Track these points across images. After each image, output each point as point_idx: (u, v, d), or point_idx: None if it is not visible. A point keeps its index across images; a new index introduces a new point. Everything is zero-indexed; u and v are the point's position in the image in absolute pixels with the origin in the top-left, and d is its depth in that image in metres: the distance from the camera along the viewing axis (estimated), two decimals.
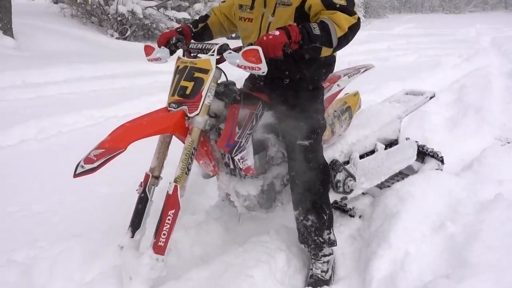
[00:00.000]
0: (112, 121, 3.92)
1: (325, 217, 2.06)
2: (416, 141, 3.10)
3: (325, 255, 2.11)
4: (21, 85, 5.48)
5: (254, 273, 1.83)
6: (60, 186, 2.67)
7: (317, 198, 2.05)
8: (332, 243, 2.11)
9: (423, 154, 3.22)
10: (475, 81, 6.37)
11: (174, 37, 2.01)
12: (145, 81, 6.07)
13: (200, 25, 2.25)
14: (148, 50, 2.04)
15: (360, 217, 2.62)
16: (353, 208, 2.67)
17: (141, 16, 11.17)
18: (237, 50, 1.70)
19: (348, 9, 1.78)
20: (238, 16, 2.13)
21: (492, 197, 2.54)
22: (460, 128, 4.21)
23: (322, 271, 2.10)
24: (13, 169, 2.98)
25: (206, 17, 2.31)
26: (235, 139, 1.86)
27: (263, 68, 1.62)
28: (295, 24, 1.71)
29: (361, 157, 2.53)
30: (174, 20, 12.08)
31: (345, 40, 1.77)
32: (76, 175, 1.56)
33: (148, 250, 1.74)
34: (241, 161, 1.92)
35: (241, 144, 1.87)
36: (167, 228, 1.75)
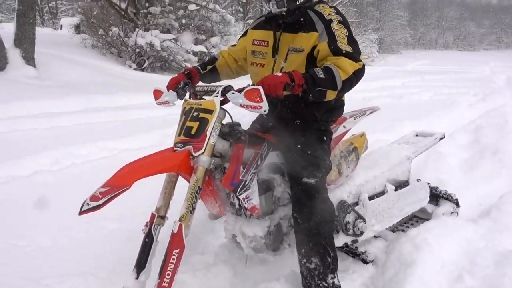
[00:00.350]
0: (125, 154, 3.93)
1: (329, 260, 2.02)
2: (428, 183, 3.06)
3: None
4: (37, 114, 5.57)
5: None
6: (69, 221, 2.65)
7: (321, 240, 2.01)
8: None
9: (437, 196, 3.17)
10: (492, 121, 6.29)
11: (182, 81, 2.04)
12: (159, 113, 6.13)
13: (208, 67, 2.31)
14: (157, 94, 2.07)
15: (372, 261, 2.54)
16: (365, 252, 2.59)
17: (159, 48, 11.45)
18: (240, 90, 1.73)
19: (354, 56, 1.85)
20: (250, 62, 2.21)
21: None
22: (477, 171, 4.13)
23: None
24: (24, 201, 2.97)
25: (214, 59, 2.36)
26: (240, 178, 1.85)
27: (264, 107, 1.64)
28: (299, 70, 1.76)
29: (371, 198, 2.50)
30: (191, 52, 12.36)
31: (349, 83, 1.82)
32: (81, 212, 1.57)
33: None
34: (246, 200, 1.89)
35: (246, 183, 1.87)
36: (171, 268, 1.72)
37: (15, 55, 7.95)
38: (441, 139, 3.18)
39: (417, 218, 3.14)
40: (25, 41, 8.09)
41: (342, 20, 1.93)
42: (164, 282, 1.72)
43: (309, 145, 2.06)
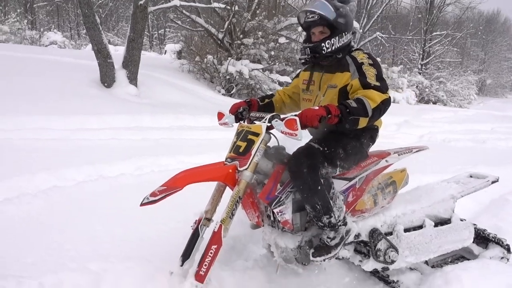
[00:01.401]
0: None
1: (318, 207, 2.21)
2: (474, 224, 3.05)
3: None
4: (132, 127, 6.39)
5: None
6: (139, 216, 3.14)
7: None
8: (333, 225, 2.26)
9: (486, 239, 3.13)
10: None
11: (241, 107, 2.45)
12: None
13: (266, 100, 2.74)
14: (220, 116, 2.50)
15: None
16: (397, 281, 2.70)
17: (247, 77, 12.19)
18: (284, 119, 2.04)
19: (381, 89, 2.16)
20: (302, 98, 2.60)
21: None
22: None
23: (328, 237, 2.27)
24: (109, 196, 3.57)
25: (272, 95, 2.79)
26: (276, 194, 2.16)
27: (299, 135, 1.95)
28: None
29: (407, 230, 2.62)
30: (277, 82, 12.95)
31: (378, 111, 2.12)
32: (142, 204, 2.00)
33: (191, 278, 2.06)
34: (279, 214, 2.19)
35: (281, 199, 2.16)
36: (208, 260, 2.06)
37: (121, 75, 9.06)
38: (493, 182, 3.16)
39: (464, 258, 3.14)
40: (131, 63, 9.18)
41: (372, 62, 2.27)
42: (201, 271, 2.07)
43: (336, 138, 2.37)
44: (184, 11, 13.47)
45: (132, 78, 9.26)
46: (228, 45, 13.50)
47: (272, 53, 13.41)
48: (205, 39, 14.30)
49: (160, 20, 35.31)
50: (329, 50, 2.33)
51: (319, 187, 2.20)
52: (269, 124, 2.17)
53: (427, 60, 29.90)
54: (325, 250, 2.29)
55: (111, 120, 6.49)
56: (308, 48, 2.38)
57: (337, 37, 2.33)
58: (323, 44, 2.32)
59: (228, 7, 12.18)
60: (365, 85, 2.17)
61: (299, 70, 2.78)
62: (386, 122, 9.42)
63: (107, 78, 8.84)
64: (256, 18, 13.42)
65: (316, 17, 2.31)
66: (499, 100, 40.54)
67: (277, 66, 13.70)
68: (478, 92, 35.95)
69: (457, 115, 15.48)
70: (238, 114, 2.51)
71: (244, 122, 2.40)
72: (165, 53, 21.99)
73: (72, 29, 37.67)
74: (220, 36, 13.26)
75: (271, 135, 2.24)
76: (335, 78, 2.36)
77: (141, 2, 8.80)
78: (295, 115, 2.02)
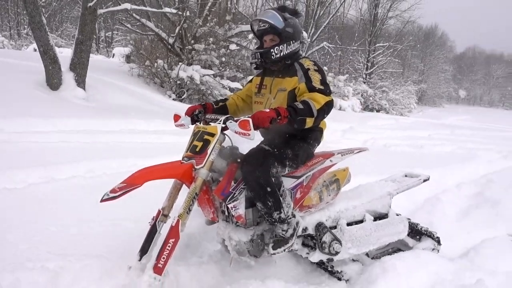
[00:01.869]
0: None
1: (269, 204, 2.40)
2: (408, 218, 3.37)
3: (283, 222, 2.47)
4: (81, 130, 6.29)
5: None
6: (93, 217, 3.18)
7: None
8: (283, 220, 2.46)
9: (419, 232, 3.46)
10: (504, 178, 6.43)
11: (197, 110, 2.60)
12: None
13: (221, 104, 2.90)
14: (176, 118, 2.63)
15: (347, 281, 2.88)
16: (341, 271, 2.93)
17: (198, 82, 12.26)
18: (237, 120, 2.21)
19: (325, 92, 2.41)
20: (253, 101, 2.81)
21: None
22: (470, 219, 4.35)
23: (282, 230, 2.47)
24: (61, 199, 3.55)
25: (226, 100, 2.97)
26: (230, 190, 2.32)
27: (252, 135, 2.12)
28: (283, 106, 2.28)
29: (349, 224, 2.86)
30: (228, 88, 13.12)
31: (322, 112, 2.35)
32: (102, 200, 2.07)
33: (149, 270, 2.16)
34: (233, 209, 2.35)
35: (235, 195, 2.33)
36: (166, 253, 2.17)
37: (69, 78, 8.82)
38: (425, 180, 3.50)
39: (400, 251, 3.44)
40: (79, 66, 8.98)
41: (317, 69, 2.53)
42: (159, 264, 2.17)
43: (285, 140, 2.59)
44: (134, 15, 13.33)
45: (80, 81, 9.06)
46: (179, 50, 13.51)
47: (223, 59, 13.59)
48: (155, 43, 14.21)
49: (108, 23, 34.50)
50: (278, 56, 2.56)
51: (270, 186, 2.38)
52: (223, 125, 2.32)
53: (371, 70, 31.36)
54: (283, 242, 2.49)
55: (59, 123, 6.35)
56: (258, 53, 2.61)
57: (285, 45, 2.56)
58: (272, 50, 2.55)
59: (180, 13, 12.21)
60: (311, 89, 2.41)
61: (252, 76, 2.98)
62: (333, 128, 9.94)
63: (53, 81, 8.60)
64: (207, 24, 13.55)
65: (267, 26, 2.56)
66: (437, 109, 43.21)
67: (228, 72, 13.89)
68: (418, 101, 38.11)
69: (398, 123, 16.39)
70: (193, 116, 2.65)
71: (200, 123, 2.54)
72: (113, 57, 21.56)
73: (11, 29, 35.83)
74: (171, 41, 13.25)
75: (226, 135, 2.40)
76: (284, 82, 2.59)
77: (91, 4, 8.66)
78: (248, 117, 2.19)
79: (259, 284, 2.45)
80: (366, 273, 2.82)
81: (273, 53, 2.55)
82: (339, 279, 2.89)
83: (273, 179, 2.42)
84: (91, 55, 9.73)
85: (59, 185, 3.85)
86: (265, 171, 2.38)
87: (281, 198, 2.44)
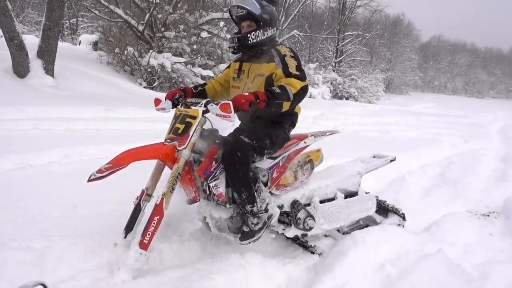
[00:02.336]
0: None
1: (244, 196, 2.53)
2: (377, 196, 3.59)
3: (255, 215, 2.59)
4: (54, 118, 6.24)
5: (216, 277, 2.30)
6: (74, 200, 3.24)
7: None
8: (255, 214, 2.58)
9: (386, 209, 3.69)
10: (464, 160, 6.83)
11: (177, 94, 2.70)
12: (162, 126, 6.77)
13: (199, 89, 3.02)
14: (157, 102, 2.72)
15: (319, 255, 3.07)
16: (314, 246, 3.12)
17: (169, 70, 12.21)
18: (217, 103, 2.33)
19: (301, 77, 2.54)
20: (231, 85, 2.93)
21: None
22: (432, 197, 4.65)
23: (252, 223, 2.59)
24: (40, 184, 3.59)
25: (205, 84, 3.09)
26: (211, 170, 2.43)
27: (232, 118, 2.25)
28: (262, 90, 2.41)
29: (322, 202, 3.05)
30: (199, 76, 13.12)
31: (298, 96, 2.49)
32: (89, 180, 2.16)
33: (135, 246, 2.26)
34: (214, 188, 2.47)
35: (216, 174, 2.45)
36: (151, 230, 2.29)
37: (36, 65, 8.63)
38: (391, 161, 3.72)
39: (369, 226, 3.66)
40: (47, 53, 8.79)
41: (293, 55, 2.66)
42: (145, 240, 2.29)
43: (262, 129, 2.71)
44: (102, 1, 13.09)
45: (49, 69, 8.88)
46: (149, 38, 13.38)
47: (195, 47, 13.54)
48: (125, 30, 14.01)
49: (72, 9, 33.38)
50: (254, 41, 2.69)
51: (247, 180, 2.51)
52: (205, 109, 2.43)
53: (340, 58, 31.83)
54: (250, 235, 2.62)
55: (30, 111, 6.27)
56: (236, 38, 2.73)
57: (261, 30, 2.69)
58: (249, 35, 2.68)
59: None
60: (287, 74, 2.54)
61: (225, 64, 3.10)
62: (304, 114, 10.11)
63: (20, 68, 8.40)
64: (178, 11, 13.44)
65: (244, 12, 2.67)
66: (403, 97, 44.37)
67: (199, 60, 13.86)
68: (385, 89, 39.02)
69: (367, 110, 16.84)
70: (174, 100, 2.74)
71: (181, 107, 2.64)
72: (79, 44, 20.97)
73: None
74: (141, 28, 13.11)
75: (206, 118, 2.51)
76: (262, 67, 2.72)
77: None
78: (229, 100, 2.31)
79: (239, 257, 2.59)
80: (338, 246, 3.01)
81: (250, 38, 2.67)
82: (313, 253, 3.07)
83: (250, 174, 2.55)
84: None
85: (36, 171, 3.88)
86: (245, 166, 2.50)
87: (255, 193, 2.57)
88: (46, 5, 8.76)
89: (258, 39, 2.69)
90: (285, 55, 2.65)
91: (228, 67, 3.05)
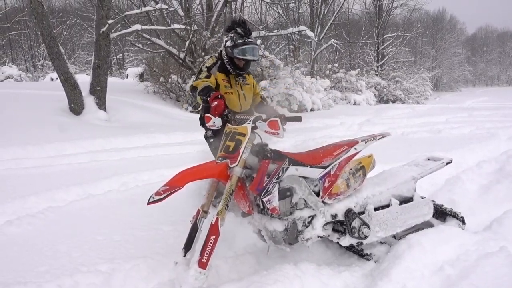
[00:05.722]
0: None
1: None
2: (433, 200, 3.49)
3: None
4: (109, 149, 6.62)
5: None
6: (133, 224, 3.44)
7: None
8: None
9: (443, 213, 3.56)
10: None
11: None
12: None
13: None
14: (207, 119, 2.81)
15: (375, 262, 3.03)
16: (370, 254, 3.09)
17: None
18: (265, 120, 2.41)
19: None
20: (224, 92, 3.47)
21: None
22: (491, 194, 4.44)
23: None
24: (101, 211, 3.83)
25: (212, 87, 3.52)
26: (264, 185, 2.49)
27: (281, 134, 2.33)
28: None
29: (376, 209, 3.01)
30: None
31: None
32: (149, 203, 2.28)
33: (194, 265, 2.36)
34: (268, 202, 2.52)
35: (268, 189, 2.49)
36: (209, 249, 2.37)
37: (90, 102, 9.25)
38: (447, 163, 3.58)
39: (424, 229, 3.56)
40: (98, 89, 9.39)
41: None
42: (203, 259, 2.37)
43: None
44: (144, 34, 13.74)
45: (101, 104, 9.45)
46: (190, 64, 13.83)
47: None
48: (167, 59, 14.58)
49: (117, 45, 35.25)
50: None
51: None
52: (253, 125, 2.53)
53: (382, 61, 31.24)
54: None
55: (86, 145, 6.70)
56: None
57: None
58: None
59: (188, 28, 12.54)
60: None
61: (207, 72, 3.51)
62: (349, 122, 10.04)
63: (76, 106, 9.00)
64: (215, 35, 13.85)
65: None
66: (454, 93, 42.57)
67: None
68: (434, 88, 37.75)
69: (415, 111, 16.33)
70: (223, 116, 2.84)
71: (230, 124, 2.73)
72: (127, 77, 22.05)
73: (27, 62, 36.97)
74: (182, 55, 13.59)
75: (256, 134, 2.59)
76: (248, 79, 3.67)
77: (103, 30, 9.04)
78: (275, 117, 2.40)
79: (293, 267, 2.63)
80: (393, 250, 2.97)
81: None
82: (368, 260, 3.04)
83: None
84: None
85: (96, 200, 4.14)
86: None
87: None
88: (94, 45, 9.38)
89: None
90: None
91: (209, 75, 3.47)
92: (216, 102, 2.87)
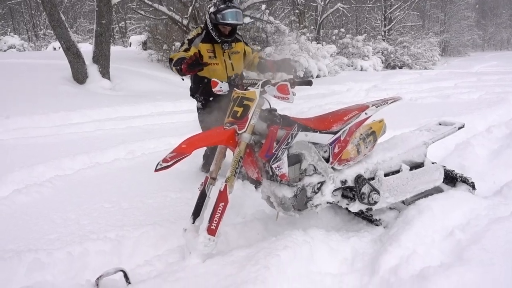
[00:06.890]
0: None
1: None
2: (444, 166, 3.43)
3: None
4: (115, 118, 6.58)
5: (281, 254, 2.34)
6: (141, 192, 3.44)
7: None
8: None
9: (454, 179, 3.51)
10: None
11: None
12: None
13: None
14: (214, 84, 2.73)
15: (384, 227, 3.02)
16: (379, 219, 3.08)
17: None
18: (275, 84, 2.33)
19: None
20: (209, 62, 3.34)
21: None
22: (502, 159, 4.38)
23: None
24: (109, 179, 3.83)
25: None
26: (273, 151, 2.43)
27: (291, 99, 2.25)
28: None
29: (386, 175, 2.97)
30: None
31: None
32: (156, 170, 2.25)
33: (203, 232, 2.35)
34: (277, 169, 2.47)
35: (278, 156, 2.44)
36: (217, 217, 2.35)
37: (93, 70, 9.14)
38: (460, 128, 3.48)
39: (434, 194, 3.52)
40: (101, 57, 9.27)
41: None
42: (212, 226, 2.36)
43: None
44: (146, 1, 13.44)
45: (105, 72, 9.35)
46: None
47: (239, 33, 13.54)
48: (170, 26, 14.31)
49: (119, 13, 34.61)
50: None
51: None
52: (262, 89, 2.45)
53: (389, 26, 30.53)
54: None
55: (92, 114, 6.66)
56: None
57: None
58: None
59: None
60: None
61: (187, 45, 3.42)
62: (356, 88, 9.91)
63: (79, 75, 8.91)
64: None
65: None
66: (463, 58, 41.64)
67: None
68: (442, 53, 37.01)
69: (423, 76, 16.08)
70: (230, 81, 2.75)
71: (237, 89, 2.63)
72: (130, 45, 21.70)
73: (28, 31, 36.53)
74: (185, 22, 13.32)
75: (264, 99, 2.52)
76: (236, 46, 3.55)
77: None
78: (285, 81, 2.32)
79: (302, 233, 2.62)
80: (402, 216, 2.94)
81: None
82: (377, 225, 3.03)
83: None
84: None
85: (103, 168, 4.13)
86: None
87: None
88: (96, 13, 9.17)
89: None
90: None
91: (189, 47, 3.38)
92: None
